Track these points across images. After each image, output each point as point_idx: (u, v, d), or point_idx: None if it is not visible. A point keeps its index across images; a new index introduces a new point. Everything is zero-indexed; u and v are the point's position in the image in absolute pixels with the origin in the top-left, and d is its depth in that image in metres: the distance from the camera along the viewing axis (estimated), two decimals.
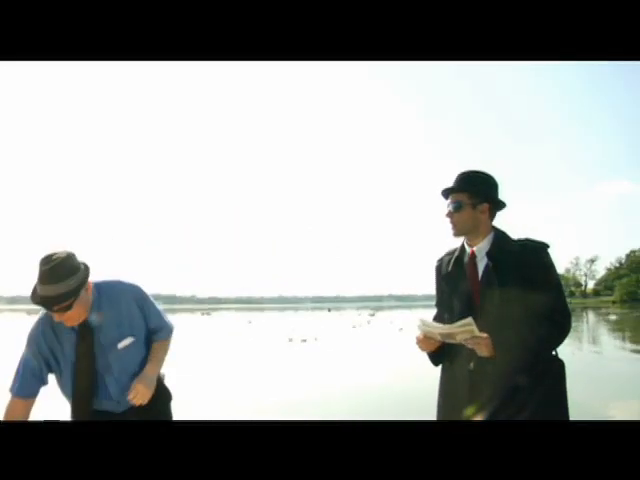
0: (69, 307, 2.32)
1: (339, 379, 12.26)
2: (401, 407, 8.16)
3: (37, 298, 2.34)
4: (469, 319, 2.24)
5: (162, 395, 2.68)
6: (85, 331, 2.47)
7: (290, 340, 23.51)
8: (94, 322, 2.48)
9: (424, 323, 2.41)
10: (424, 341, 2.45)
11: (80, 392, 2.50)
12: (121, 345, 2.52)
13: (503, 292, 2.28)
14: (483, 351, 2.23)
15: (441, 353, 2.48)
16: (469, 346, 2.25)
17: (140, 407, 2.48)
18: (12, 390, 2.47)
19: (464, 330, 2.24)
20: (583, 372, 11.54)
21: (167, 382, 2.79)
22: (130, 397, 2.44)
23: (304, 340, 23.48)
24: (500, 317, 2.24)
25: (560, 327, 2.28)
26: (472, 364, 2.32)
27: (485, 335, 2.22)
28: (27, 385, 2.47)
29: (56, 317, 2.36)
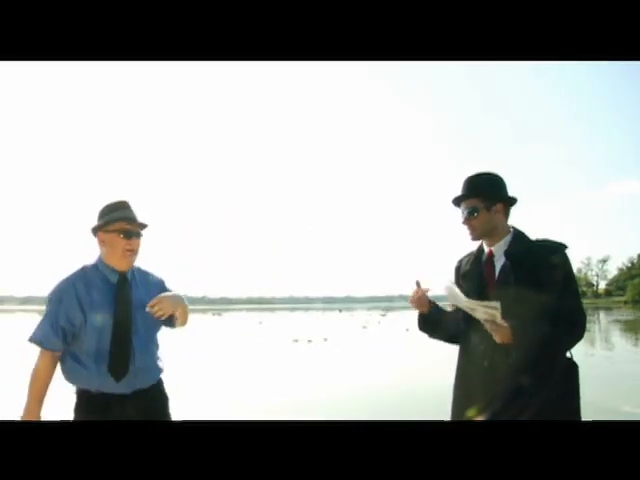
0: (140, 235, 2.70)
1: (346, 379, 12.28)
2: (407, 407, 8.15)
3: (132, 218, 2.65)
4: (497, 303, 2.22)
5: (163, 395, 2.77)
6: (123, 283, 2.66)
7: (295, 341, 23.51)
8: (130, 277, 2.71)
9: (451, 288, 2.42)
10: (418, 300, 2.57)
11: (119, 341, 2.58)
12: (148, 308, 2.59)
13: (519, 291, 2.27)
14: (500, 338, 2.23)
15: (432, 319, 2.57)
16: (487, 327, 2.26)
17: (142, 397, 2.60)
18: (39, 342, 2.59)
19: (487, 311, 2.24)
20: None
21: (169, 384, 2.84)
22: (151, 304, 2.56)
23: (310, 341, 23.47)
24: (515, 316, 2.23)
25: (575, 328, 2.27)
26: (486, 362, 2.32)
27: (506, 325, 2.21)
28: (53, 339, 2.58)
29: (130, 244, 2.64)
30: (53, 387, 2.62)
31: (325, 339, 24.49)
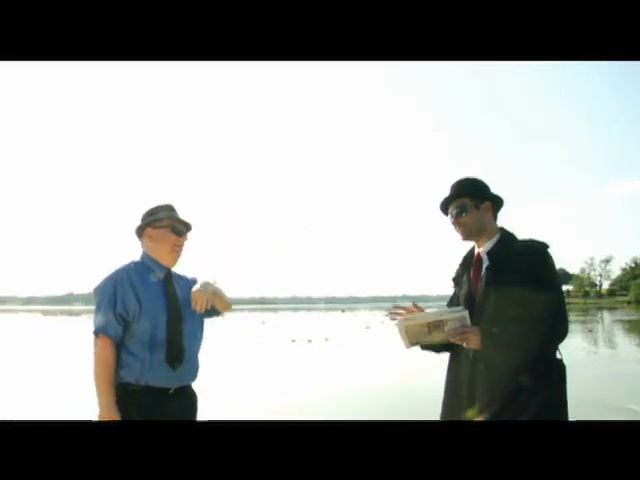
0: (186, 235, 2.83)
1: (345, 379, 12.28)
2: (407, 407, 8.15)
3: (180, 218, 2.80)
4: (461, 307, 2.31)
5: (195, 395, 2.83)
6: (170, 278, 2.78)
7: (293, 341, 23.50)
8: (175, 275, 2.83)
9: (407, 319, 2.36)
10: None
11: (174, 332, 2.66)
12: (193, 306, 2.70)
13: (500, 292, 2.29)
14: (470, 343, 2.26)
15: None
16: (454, 339, 2.28)
17: (180, 394, 2.65)
18: (102, 329, 2.58)
19: (456, 317, 2.27)
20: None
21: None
22: (193, 305, 2.67)
23: (310, 341, 23.44)
24: (497, 317, 2.25)
25: (554, 328, 2.26)
26: (469, 362, 2.34)
27: (475, 328, 2.25)
28: (114, 325, 2.58)
29: (178, 240, 2.78)
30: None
31: (326, 339, 24.45)
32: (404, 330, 2.35)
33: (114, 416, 2.46)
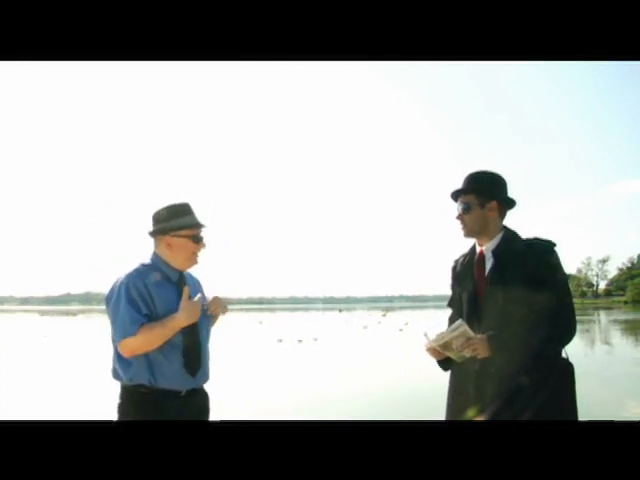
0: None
1: (331, 380, 12.32)
2: (401, 408, 8.15)
3: (201, 224, 2.74)
4: (459, 322, 2.27)
5: (207, 395, 2.79)
6: (183, 281, 2.72)
7: (280, 341, 23.52)
8: (187, 277, 2.79)
9: (427, 339, 2.41)
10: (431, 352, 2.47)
11: (191, 336, 2.62)
12: (207, 308, 2.76)
13: (507, 292, 2.27)
14: (481, 353, 2.23)
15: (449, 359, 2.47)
16: (467, 353, 2.26)
17: (193, 396, 2.61)
18: (131, 333, 2.45)
19: (457, 334, 2.25)
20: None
21: None
22: (210, 305, 2.76)
23: (300, 341, 23.42)
24: (503, 317, 2.24)
25: (562, 328, 2.26)
26: (477, 364, 2.32)
27: (479, 336, 2.23)
28: (137, 317, 2.49)
29: (199, 247, 2.73)
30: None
31: (315, 339, 24.42)
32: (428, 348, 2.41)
33: (190, 306, 2.55)
